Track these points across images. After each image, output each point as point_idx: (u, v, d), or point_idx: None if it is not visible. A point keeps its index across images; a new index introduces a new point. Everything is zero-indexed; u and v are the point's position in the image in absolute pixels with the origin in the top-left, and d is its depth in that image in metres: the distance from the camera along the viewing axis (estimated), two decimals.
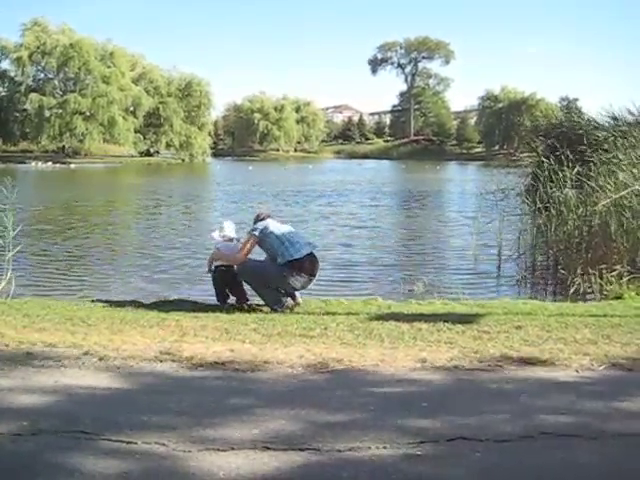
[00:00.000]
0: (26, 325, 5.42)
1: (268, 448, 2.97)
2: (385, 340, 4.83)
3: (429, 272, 10.30)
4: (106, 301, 7.12)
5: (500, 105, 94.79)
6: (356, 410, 3.46)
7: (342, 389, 3.79)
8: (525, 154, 15.64)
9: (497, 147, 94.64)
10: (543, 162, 10.93)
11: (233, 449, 2.96)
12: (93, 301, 7.11)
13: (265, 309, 6.49)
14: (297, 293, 6.66)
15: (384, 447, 3.00)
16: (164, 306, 6.37)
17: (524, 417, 3.39)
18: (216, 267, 6.77)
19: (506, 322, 5.52)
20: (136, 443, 3.02)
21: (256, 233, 6.55)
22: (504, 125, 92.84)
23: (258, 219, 6.85)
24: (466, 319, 5.66)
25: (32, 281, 9.47)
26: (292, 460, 2.88)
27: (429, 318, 5.61)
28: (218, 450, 2.95)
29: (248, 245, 6.55)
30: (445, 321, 5.46)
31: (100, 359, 4.34)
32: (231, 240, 6.80)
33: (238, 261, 6.55)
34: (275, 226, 6.75)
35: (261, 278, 6.48)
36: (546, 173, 10.50)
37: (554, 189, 10.07)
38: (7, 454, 2.95)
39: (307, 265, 6.57)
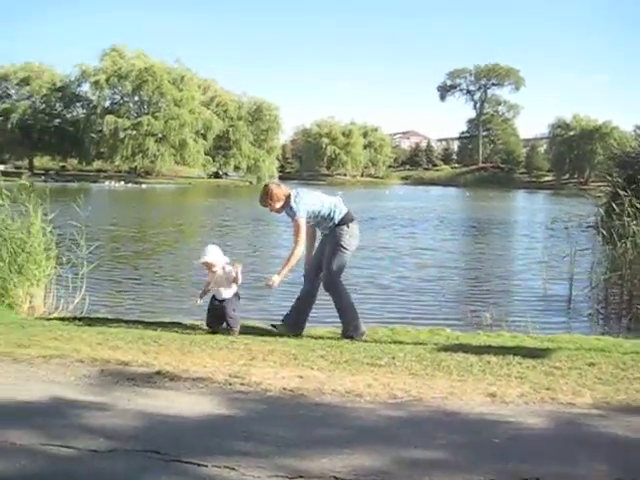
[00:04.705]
0: (100, 342, 5.57)
1: (337, 478, 2.96)
2: (453, 372, 4.77)
3: (497, 303, 10.15)
4: (175, 321, 7.26)
5: (571, 133, 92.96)
6: (425, 444, 3.42)
7: (412, 422, 3.75)
8: (599, 184, 15.30)
9: (567, 176, 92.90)
10: (618, 193, 10.64)
11: (301, 477, 2.97)
12: (162, 322, 7.24)
13: (331, 335, 6.48)
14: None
15: None
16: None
17: (603, 460, 3.29)
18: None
19: (578, 358, 5.37)
20: (206, 466, 3.05)
21: (302, 214, 6.33)
22: (575, 154, 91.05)
23: (281, 196, 6.46)
24: (536, 353, 5.54)
25: (103, 298, 9.73)
26: None
27: (498, 351, 5.51)
28: (287, 477, 2.96)
29: (300, 229, 6.32)
30: (515, 355, 5.34)
31: (171, 379, 4.42)
32: (210, 266, 6.38)
33: (300, 250, 6.35)
34: (310, 196, 6.59)
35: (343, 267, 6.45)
36: (622, 205, 10.23)
37: (630, 222, 9.80)
38: (85, 470, 3.04)
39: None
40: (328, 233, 6.55)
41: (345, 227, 6.49)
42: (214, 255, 6.36)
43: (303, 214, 6.35)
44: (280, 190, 6.51)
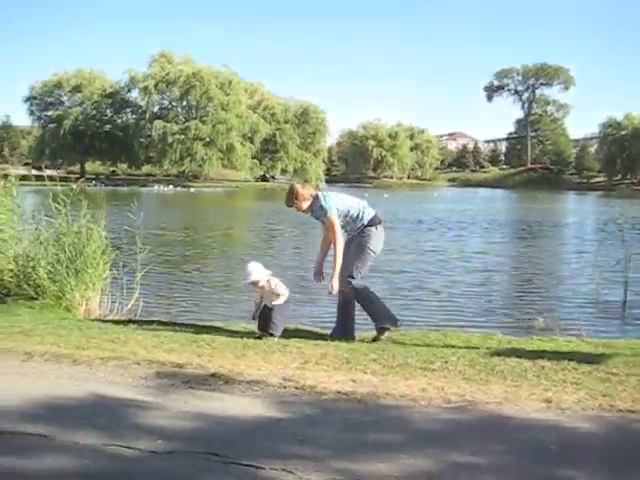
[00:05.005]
0: (155, 345, 5.67)
1: None
2: (508, 377, 4.72)
3: (548, 307, 10.00)
4: (227, 325, 7.36)
5: (623, 132, 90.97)
6: (481, 449, 3.40)
7: (467, 426, 3.74)
8: None
9: (619, 177, 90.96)
10: None
11: None
12: (215, 325, 7.33)
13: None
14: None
15: None
16: (283, 333, 6.48)
17: None
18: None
19: (635, 364, 5.25)
20: (264, 469, 3.10)
21: (334, 211, 6.37)
22: (627, 153, 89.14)
23: (307, 195, 6.52)
24: (591, 359, 5.44)
25: (154, 301, 9.88)
26: None
27: (552, 356, 5.43)
28: None
29: (335, 225, 6.36)
30: (569, 360, 5.25)
31: (226, 382, 4.47)
32: (255, 284, 6.36)
33: (342, 246, 6.38)
34: (339, 197, 6.66)
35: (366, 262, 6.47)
36: None
37: None
38: (145, 470, 3.13)
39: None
40: (356, 234, 6.54)
41: (374, 229, 6.51)
42: (257, 272, 6.36)
43: (335, 211, 6.38)
44: (306, 190, 6.56)
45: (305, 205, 6.52)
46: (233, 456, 3.23)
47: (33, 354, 5.17)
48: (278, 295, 6.37)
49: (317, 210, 6.49)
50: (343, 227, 6.51)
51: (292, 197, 6.53)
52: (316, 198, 6.49)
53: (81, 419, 3.74)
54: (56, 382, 4.48)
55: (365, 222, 6.48)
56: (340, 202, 6.51)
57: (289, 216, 28.42)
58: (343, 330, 6.58)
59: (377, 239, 6.53)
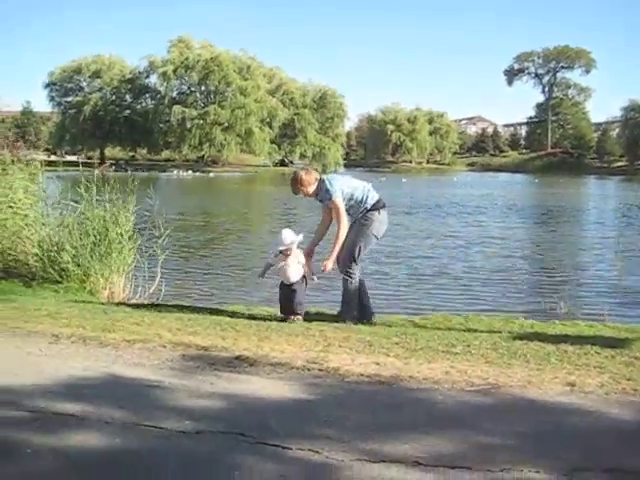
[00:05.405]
0: (179, 328, 5.72)
1: (419, 463, 3.01)
2: (530, 361, 4.72)
3: (570, 293, 9.96)
4: (249, 308, 7.43)
5: None
6: (508, 432, 3.43)
7: (491, 409, 3.76)
8: None
9: None
10: None
11: (384, 462, 3.02)
12: (237, 308, 7.39)
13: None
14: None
15: (537, 471, 2.96)
16: (305, 316, 6.52)
17: None
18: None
19: None
20: (291, 449, 3.14)
21: (339, 194, 6.42)
22: None
23: (312, 180, 6.56)
24: (615, 343, 5.43)
25: (175, 286, 9.97)
26: (441, 477, 2.90)
27: (575, 340, 5.43)
28: (370, 461, 3.02)
29: (340, 209, 6.43)
30: (592, 344, 5.24)
31: (251, 364, 4.52)
32: (284, 251, 6.37)
33: (344, 230, 6.44)
34: (344, 179, 6.73)
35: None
36: None
37: None
38: (174, 449, 3.18)
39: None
40: (359, 218, 6.56)
41: (377, 213, 6.54)
42: (291, 238, 6.37)
43: (339, 193, 6.43)
44: (309, 175, 6.60)
45: (311, 189, 6.59)
46: (260, 436, 3.27)
47: (60, 336, 5.25)
48: (301, 266, 6.40)
49: (322, 193, 6.55)
50: (347, 211, 6.56)
51: (297, 184, 6.60)
52: (321, 181, 6.56)
53: (109, 399, 3.80)
54: (83, 364, 4.55)
55: (368, 206, 6.52)
56: (345, 184, 6.57)
57: (304, 201, 28.45)
58: (359, 316, 6.59)
59: (380, 223, 6.58)
